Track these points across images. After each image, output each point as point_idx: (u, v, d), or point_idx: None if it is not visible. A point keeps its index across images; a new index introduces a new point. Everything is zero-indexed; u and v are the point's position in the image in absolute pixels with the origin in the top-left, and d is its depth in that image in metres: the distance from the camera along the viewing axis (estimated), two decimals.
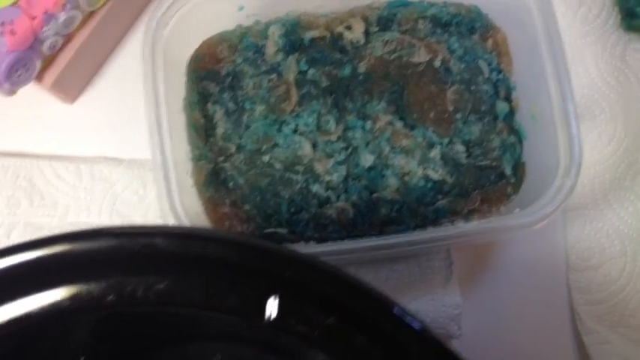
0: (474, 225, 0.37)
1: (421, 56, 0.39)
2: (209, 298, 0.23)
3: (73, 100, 0.44)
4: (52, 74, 0.40)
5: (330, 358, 0.23)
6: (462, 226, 0.37)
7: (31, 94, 0.41)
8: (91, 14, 0.41)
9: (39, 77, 0.40)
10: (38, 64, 0.39)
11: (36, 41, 0.37)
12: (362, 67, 0.39)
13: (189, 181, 0.38)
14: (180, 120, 0.38)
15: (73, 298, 0.23)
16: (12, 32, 0.36)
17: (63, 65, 0.40)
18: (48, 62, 0.40)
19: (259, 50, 0.39)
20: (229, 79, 0.39)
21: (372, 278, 0.40)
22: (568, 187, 0.36)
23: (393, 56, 0.39)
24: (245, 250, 0.24)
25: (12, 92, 0.39)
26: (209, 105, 0.39)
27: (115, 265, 0.23)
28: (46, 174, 0.42)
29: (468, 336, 0.40)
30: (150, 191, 0.42)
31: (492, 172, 0.39)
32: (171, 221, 0.34)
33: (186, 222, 0.34)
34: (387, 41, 0.39)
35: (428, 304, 0.39)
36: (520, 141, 0.40)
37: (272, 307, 0.23)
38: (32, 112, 0.44)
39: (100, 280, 0.23)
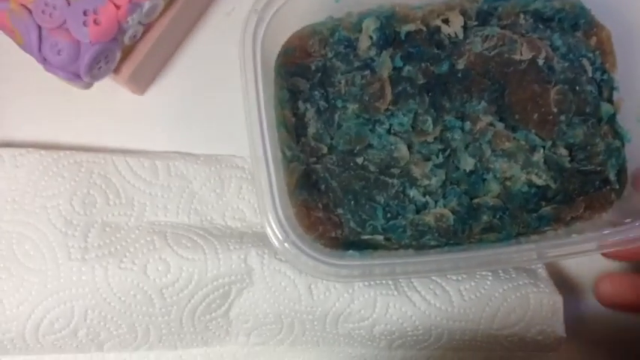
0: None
1: (523, 53, 0.38)
2: None
3: (143, 92, 0.43)
4: (129, 66, 0.39)
5: None
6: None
7: (101, 84, 0.40)
8: (171, 2, 0.39)
9: (116, 69, 0.39)
10: (118, 56, 0.37)
11: (119, 31, 0.36)
12: (460, 64, 0.38)
13: (281, 184, 0.36)
14: (270, 119, 0.36)
15: None
16: (96, 22, 0.35)
17: (141, 56, 0.39)
18: (126, 53, 0.39)
19: (351, 44, 0.38)
20: (320, 74, 0.38)
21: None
22: None
23: (493, 52, 0.38)
24: None
25: (89, 85, 0.38)
26: (299, 103, 0.37)
27: None
28: (121, 170, 0.41)
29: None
30: (227, 189, 0.41)
31: (597, 178, 0.38)
32: (272, 224, 0.32)
33: (286, 226, 0.33)
34: (487, 36, 0.38)
35: (528, 300, 0.38)
36: (623, 144, 0.38)
37: None
38: (101, 105, 0.43)
39: None
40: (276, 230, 0.33)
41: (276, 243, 0.32)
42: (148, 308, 0.38)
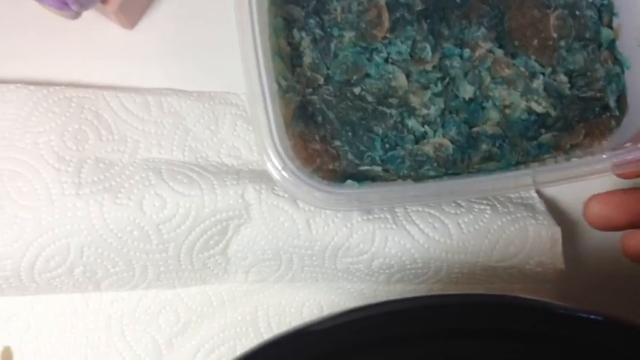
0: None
1: None
2: None
3: (133, 26, 0.42)
4: None
5: None
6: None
7: (88, 17, 0.39)
8: None
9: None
10: None
11: None
12: None
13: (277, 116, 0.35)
14: (265, 49, 0.36)
15: None
16: None
17: None
18: None
19: None
20: (315, 1, 0.37)
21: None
22: None
23: None
24: None
25: (77, 15, 0.37)
26: (295, 32, 0.37)
27: None
28: (113, 106, 0.40)
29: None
30: (222, 126, 0.40)
31: (597, 104, 0.37)
32: (272, 157, 0.32)
33: (284, 156, 0.32)
34: None
35: (527, 232, 0.39)
36: (622, 71, 0.38)
37: None
38: (90, 41, 0.42)
39: None
40: (274, 160, 0.32)
41: (274, 173, 0.32)
42: (145, 245, 0.38)
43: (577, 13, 0.37)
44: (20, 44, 0.41)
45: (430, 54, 0.36)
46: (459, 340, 0.27)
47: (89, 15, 0.38)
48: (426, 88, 0.36)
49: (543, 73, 0.37)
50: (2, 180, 0.37)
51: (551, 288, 0.42)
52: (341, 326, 0.27)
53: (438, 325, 0.27)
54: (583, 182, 0.34)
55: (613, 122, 0.38)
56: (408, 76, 0.36)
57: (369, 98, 0.36)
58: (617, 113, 0.38)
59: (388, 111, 0.36)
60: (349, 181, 0.35)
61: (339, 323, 0.27)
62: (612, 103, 0.37)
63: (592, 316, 0.27)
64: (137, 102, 0.40)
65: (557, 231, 0.40)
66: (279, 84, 0.36)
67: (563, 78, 0.37)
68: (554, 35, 0.37)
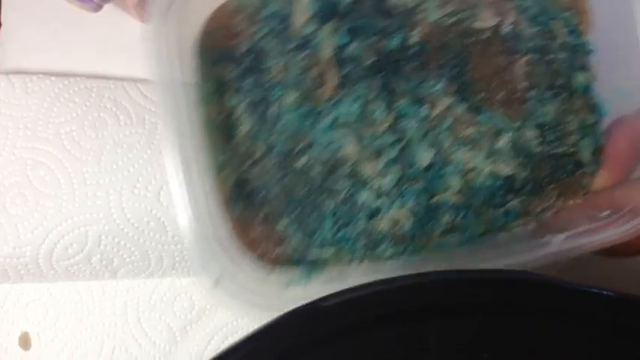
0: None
1: (486, 20, 0.34)
2: None
3: None
4: None
5: None
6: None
7: (108, 11, 0.41)
8: None
9: None
10: None
11: None
12: (414, 37, 0.34)
13: (212, 199, 0.31)
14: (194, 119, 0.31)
15: None
16: None
17: None
18: None
19: (285, 20, 0.33)
20: (250, 59, 0.33)
21: None
22: None
23: (451, 21, 0.34)
24: None
25: (98, 8, 0.39)
26: (227, 96, 0.33)
27: None
28: (132, 94, 0.42)
29: None
30: None
31: (569, 161, 0.35)
32: (199, 270, 0.29)
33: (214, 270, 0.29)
34: (444, 1, 0.33)
35: None
36: (599, 119, 0.34)
37: None
38: (110, 34, 0.44)
39: None
40: (203, 277, 0.29)
41: (206, 289, 0.29)
42: (161, 236, 0.40)
43: (547, 57, 0.34)
44: (42, 37, 0.44)
45: (383, 114, 0.33)
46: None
47: (109, 8, 0.41)
48: (379, 154, 0.33)
49: (511, 129, 0.33)
50: (25, 169, 0.40)
51: None
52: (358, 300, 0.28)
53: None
54: None
55: (587, 178, 0.35)
56: (359, 141, 0.33)
57: (316, 170, 0.33)
58: (593, 169, 0.34)
59: (338, 184, 0.32)
60: (293, 280, 0.31)
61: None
62: (587, 158, 0.34)
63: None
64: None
65: None
66: (212, 160, 0.32)
67: (533, 133, 0.34)
68: (522, 85, 0.33)
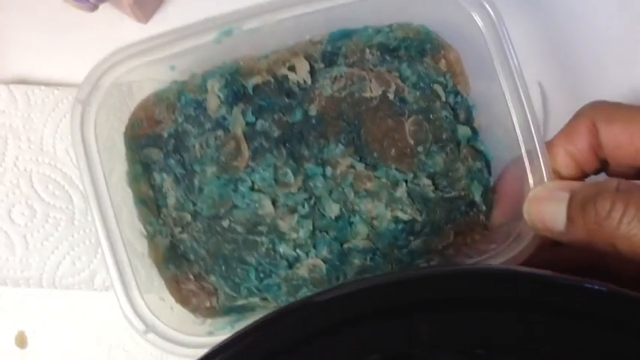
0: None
1: (373, 89, 0.45)
2: None
3: (147, 20, 0.50)
4: None
5: None
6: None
7: (104, 11, 0.48)
8: None
9: None
10: None
11: None
12: (313, 110, 0.44)
13: (147, 262, 0.42)
14: (127, 197, 0.42)
15: None
16: None
17: None
18: None
19: (200, 106, 0.44)
20: (172, 141, 0.44)
21: None
22: None
23: (343, 93, 0.45)
24: None
25: (94, 8, 0.46)
26: (155, 174, 0.44)
27: None
28: None
29: None
30: None
31: (462, 203, 0.45)
32: (137, 325, 0.40)
33: (155, 322, 0.40)
34: (335, 77, 0.44)
35: None
36: (487, 164, 0.45)
37: None
38: (104, 33, 0.51)
39: None
40: (134, 323, 0.40)
41: (138, 334, 0.40)
42: None
43: (431, 116, 0.45)
44: (35, 38, 0.51)
45: (292, 177, 0.43)
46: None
47: (105, 8, 0.47)
48: (293, 211, 0.43)
49: (406, 180, 0.44)
50: (30, 182, 0.47)
51: None
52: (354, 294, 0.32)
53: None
54: None
55: (482, 217, 0.45)
56: (274, 201, 0.43)
57: (239, 229, 0.43)
58: (485, 208, 0.45)
59: (259, 239, 0.43)
60: (221, 326, 0.41)
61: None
62: (478, 199, 0.45)
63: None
64: None
65: None
66: (145, 230, 0.42)
67: (426, 182, 0.44)
68: (411, 142, 0.44)
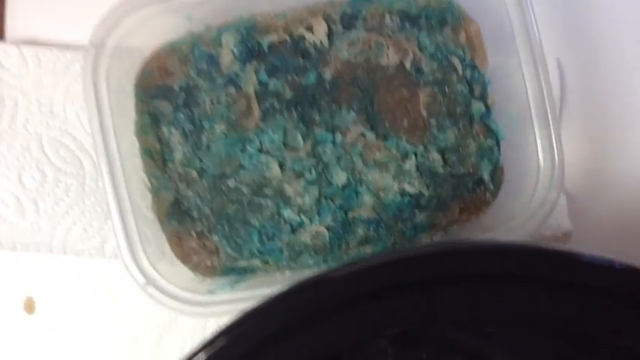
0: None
1: (390, 57, 0.44)
2: None
3: None
4: None
5: None
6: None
7: None
8: None
9: None
10: None
11: None
12: (327, 74, 0.44)
13: (150, 216, 0.41)
14: (134, 147, 0.41)
15: None
16: None
17: None
18: None
19: (214, 60, 0.43)
20: (183, 95, 0.43)
21: None
22: (550, 201, 0.41)
23: (360, 58, 0.44)
24: None
25: None
26: (163, 127, 0.43)
27: None
28: None
29: None
30: None
31: (470, 180, 0.45)
32: (138, 279, 0.40)
33: (156, 277, 0.40)
34: (353, 41, 0.44)
35: None
36: (497, 142, 0.45)
37: None
38: None
39: None
40: (136, 277, 0.40)
41: (138, 287, 0.40)
42: None
43: (447, 89, 0.44)
44: (57, 5, 0.49)
45: (302, 142, 0.43)
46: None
47: None
48: (299, 176, 0.43)
49: (415, 153, 0.44)
50: (41, 146, 0.47)
51: None
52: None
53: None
54: None
55: (488, 195, 0.45)
56: (282, 165, 0.43)
57: (244, 190, 0.42)
58: (492, 187, 0.45)
59: (264, 202, 0.43)
60: (222, 284, 0.41)
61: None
62: (486, 178, 0.45)
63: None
64: None
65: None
66: (150, 183, 0.41)
67: (436, 156, 0.44)
68: (424, 114, 0.44)
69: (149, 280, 0.40)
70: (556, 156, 0.42)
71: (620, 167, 0.55)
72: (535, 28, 0.43)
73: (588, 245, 0.52)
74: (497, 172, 0.45)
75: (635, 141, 0.55)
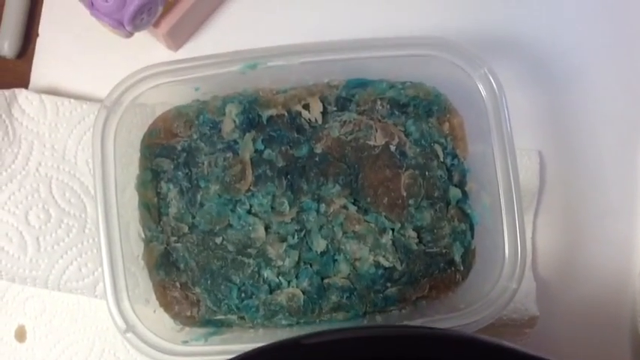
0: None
1: (377, 139, 0.48)
2: None
3: (177, 48, 0.55)
4: (169, 21, 0.51)
5: None
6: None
7: (138, 37, 0.51)
8: None
9: (156, 23, 0.50)
10: (160, 10, 0.49)
11: None
12: (319, 148, 0.47)
13: (142, 264, 0.45)
14: (134, 200, 0.45)
15: None
16: None
17: (181, 13, 0.51)
18: (167, 9, 0.50)
19: (216, 126, 0.47)
20: (184, 155, 0.47)
21: None
22: (510, 290, 0.44)
23: (349, 137, 0.48)
24: None
25: (130, 35, 0.50)
26: (163, 183, 0.46)
27: None
28: None
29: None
30: None
31: (442, 260, 0.48)
32: (114, 316, 0.43)
33: (136, 323, 0.44)
34: (345, 122, 0.47)
35: None
36: (472, 226, 0.48)
37: None
38: (136, 56, 0.54)
39: None
40: (117, 322, 0.43)
41: (119, 332, 0.43)
42: None
43: (427, 173, 0.48)
44: (70, 52, 0.56)
45: (288, 208, 0.46)
46: None
47: (140, 35, 0.51)
48: (283, 240, 0.46)
49: (393, 229, 0.47)
50: (49, 187, 0.51)
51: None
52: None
53: None
54: None
55: (459, 276, 0.48)
56: (267, 227, 0.46)
57: (230, 248, 0.46)
58: (462, 268, 0.48)
59: (247, 261, 0.46)
60: (197, 336, 0.45)
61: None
62: (457, 259, 0.48)
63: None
64: None
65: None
66: (144, 233, 0.45)
67: (412, 234, 0.47)
68: (404, 194, 0.47)
69: (129, 326, 0.43)
70: (519, 249, 0.45)
71: (593, 257, 0.58)
72: (508, 127, 0.46)
73: (553, 331, 0.55)
74: (468, 255, 0.48)
75: (609, 233, 0.58)
